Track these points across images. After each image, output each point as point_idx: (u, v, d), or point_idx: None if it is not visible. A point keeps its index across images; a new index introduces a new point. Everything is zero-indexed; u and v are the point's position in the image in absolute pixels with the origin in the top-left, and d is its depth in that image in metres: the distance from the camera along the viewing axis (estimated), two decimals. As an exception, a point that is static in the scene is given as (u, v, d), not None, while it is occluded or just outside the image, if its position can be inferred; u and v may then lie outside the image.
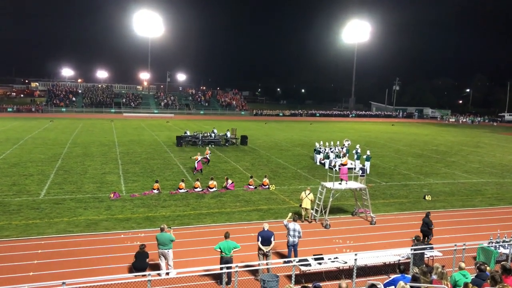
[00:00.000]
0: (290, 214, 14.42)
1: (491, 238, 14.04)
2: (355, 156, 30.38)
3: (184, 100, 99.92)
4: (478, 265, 9.77)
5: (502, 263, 9.57)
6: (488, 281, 8.49)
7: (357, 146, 33.23)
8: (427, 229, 15.46)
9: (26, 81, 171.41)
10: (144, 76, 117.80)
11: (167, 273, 12.10)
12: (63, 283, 8.74)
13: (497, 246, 13.52)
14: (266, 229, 12.83)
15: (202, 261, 13.18)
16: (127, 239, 15.18)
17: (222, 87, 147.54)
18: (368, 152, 30.00)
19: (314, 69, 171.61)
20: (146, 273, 10.23)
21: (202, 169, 27.36)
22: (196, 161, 27.06)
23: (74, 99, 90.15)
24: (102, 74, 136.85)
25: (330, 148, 33.38)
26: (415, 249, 12.27)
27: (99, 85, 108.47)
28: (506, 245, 13.39)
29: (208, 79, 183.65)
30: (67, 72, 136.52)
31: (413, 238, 13.21)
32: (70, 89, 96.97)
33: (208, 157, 30.20)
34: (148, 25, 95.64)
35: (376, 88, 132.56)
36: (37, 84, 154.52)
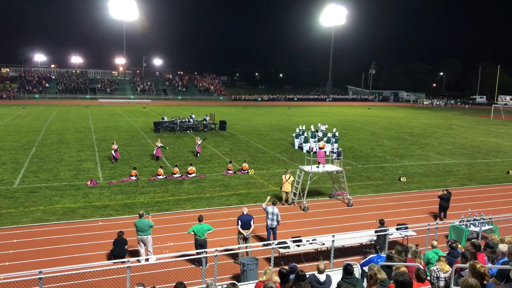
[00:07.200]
0: (268, 198, 14.56)
1: (462, 217, 14.51)
2: (333, 140, 30.75)
3: (161, 85, 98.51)
4: (450, 243, 10.11)
5: (472, 240, 9.93)
6: (459, 258, 8.80)
7: (334, 130, 33.58)
8: (448, 205, 16.58)
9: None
10: (120, 61, 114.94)
11: (147, 259, 12.12)
12: (40, 272, 8.63)
13: (468, 225, 14.02)
14: (245, 213, 12.95)
15: (182, 247, 13.22)
16: (104, 227, 15.07)
17: (200, 72, 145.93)
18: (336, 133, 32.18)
19: (292, 53, 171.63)
20: (125, 260, 10.19)
21: (200, 153, 27.96)
22: (197, 145, 27.78)
23: (47, 85, 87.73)
24: (76, 59, 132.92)
25: (313, 131, 33.28)
26: (376, 231, 12.55)
27: (73, 71, 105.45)
28: (477, 223, 13.89)
29: (185, 64, 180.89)
30: (39, 57, 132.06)
31: (378, 220, 13.43)
32: (43, 75, 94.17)
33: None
34: (123, 9, 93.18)
35: (353, 73, 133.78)
36: (8, 70, 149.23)
